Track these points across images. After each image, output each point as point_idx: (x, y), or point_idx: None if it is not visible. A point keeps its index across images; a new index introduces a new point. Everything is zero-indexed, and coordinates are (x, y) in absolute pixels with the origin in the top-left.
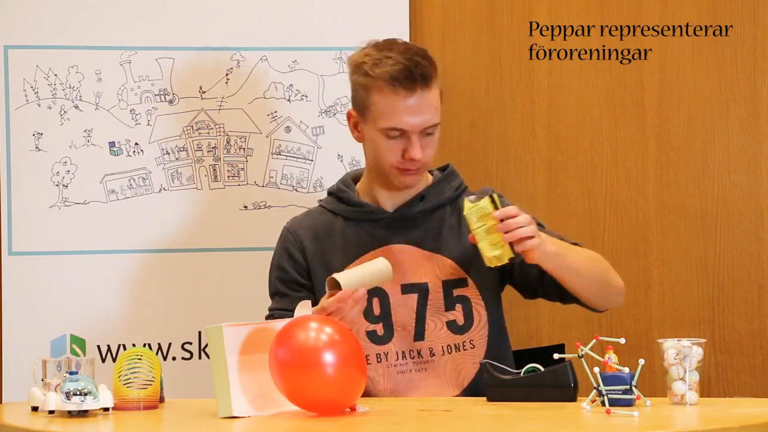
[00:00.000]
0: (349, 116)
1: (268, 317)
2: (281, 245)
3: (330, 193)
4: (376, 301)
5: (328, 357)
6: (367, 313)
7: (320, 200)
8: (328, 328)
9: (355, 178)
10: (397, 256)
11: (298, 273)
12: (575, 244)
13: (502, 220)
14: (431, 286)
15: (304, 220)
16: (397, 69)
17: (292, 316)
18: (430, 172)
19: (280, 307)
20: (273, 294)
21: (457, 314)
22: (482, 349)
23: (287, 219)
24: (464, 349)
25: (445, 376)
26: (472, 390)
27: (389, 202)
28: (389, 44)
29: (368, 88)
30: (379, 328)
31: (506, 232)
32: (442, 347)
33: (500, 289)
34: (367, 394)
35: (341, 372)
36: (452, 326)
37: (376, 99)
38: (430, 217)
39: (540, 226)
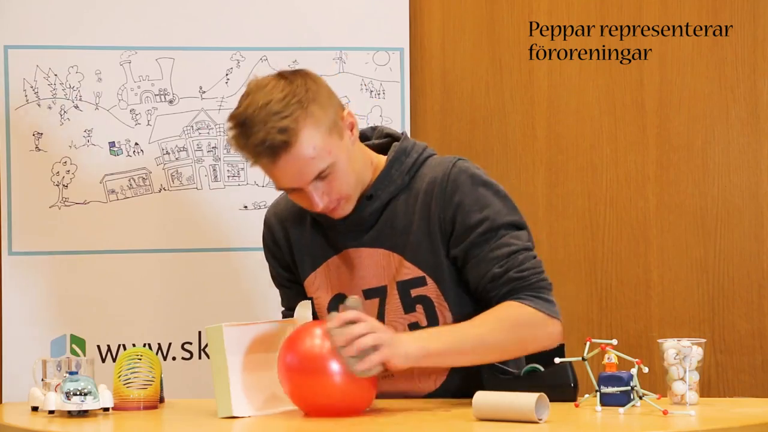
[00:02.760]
0: None
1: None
2: (263, 241)
3: None
4: (341, 309)
5: (335, 365)
6: None
7: None
8: None
9: None
10: (354, 261)
11: (283, 268)
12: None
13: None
14: (389, 288)
15: (281, 203)
16: (251, 148)
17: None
18: (385, 147)
19: (284, 306)
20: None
21: (419, 315)
22: None
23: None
24: None
25: (412, 380)
26: (445, 389)
27: None
28: (242, 113)
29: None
30: None
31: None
32: None
33: (465, 288)
34: None
35: (351, 380)
36: (415, 329)
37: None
38: (387, 210)
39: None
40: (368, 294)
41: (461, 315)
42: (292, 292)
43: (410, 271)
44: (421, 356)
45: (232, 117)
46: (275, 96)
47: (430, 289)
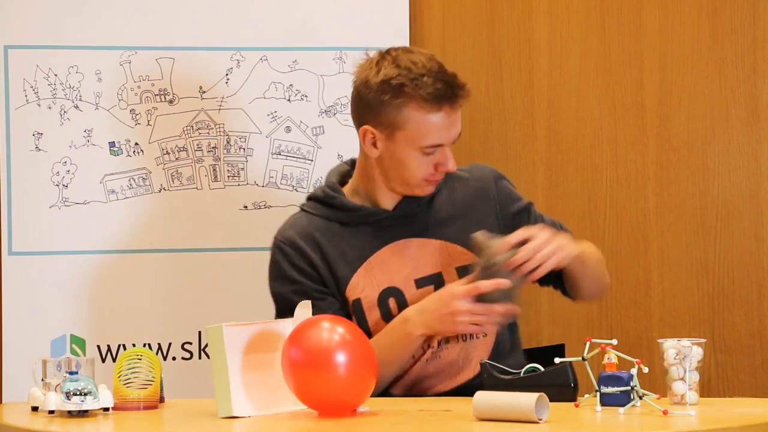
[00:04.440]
0: (365, 133)
1: None
2: (283, 261)
3: (315, 198)
4: (392, 301)
5: (340, 357)
6: (387, 316)
7: (303, 205)
8: (341, 329)
9: (340, 180)
10: (404, 251)
11: (318, 283)
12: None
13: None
14: (446, 275)
15: (298, 229)
16: (440, 88)
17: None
18: None
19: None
20: (286, 309)
21: None
22: (492, 337)
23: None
24: (477, 337)
25: (457, 364)
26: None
27: (389, 201)
28: (407, 59)
29: (402, 107)
30: None
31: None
32: (457, 335)
33: None
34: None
35: (352, 372)
36: None
37: (414, 117)
38: (432, 205)
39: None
40: (421, 283)
41: None
42: (326, 303)
43: (468, 258)
44: (575, 259)
45: (405, 68)
46: (435, 61)
47: None
